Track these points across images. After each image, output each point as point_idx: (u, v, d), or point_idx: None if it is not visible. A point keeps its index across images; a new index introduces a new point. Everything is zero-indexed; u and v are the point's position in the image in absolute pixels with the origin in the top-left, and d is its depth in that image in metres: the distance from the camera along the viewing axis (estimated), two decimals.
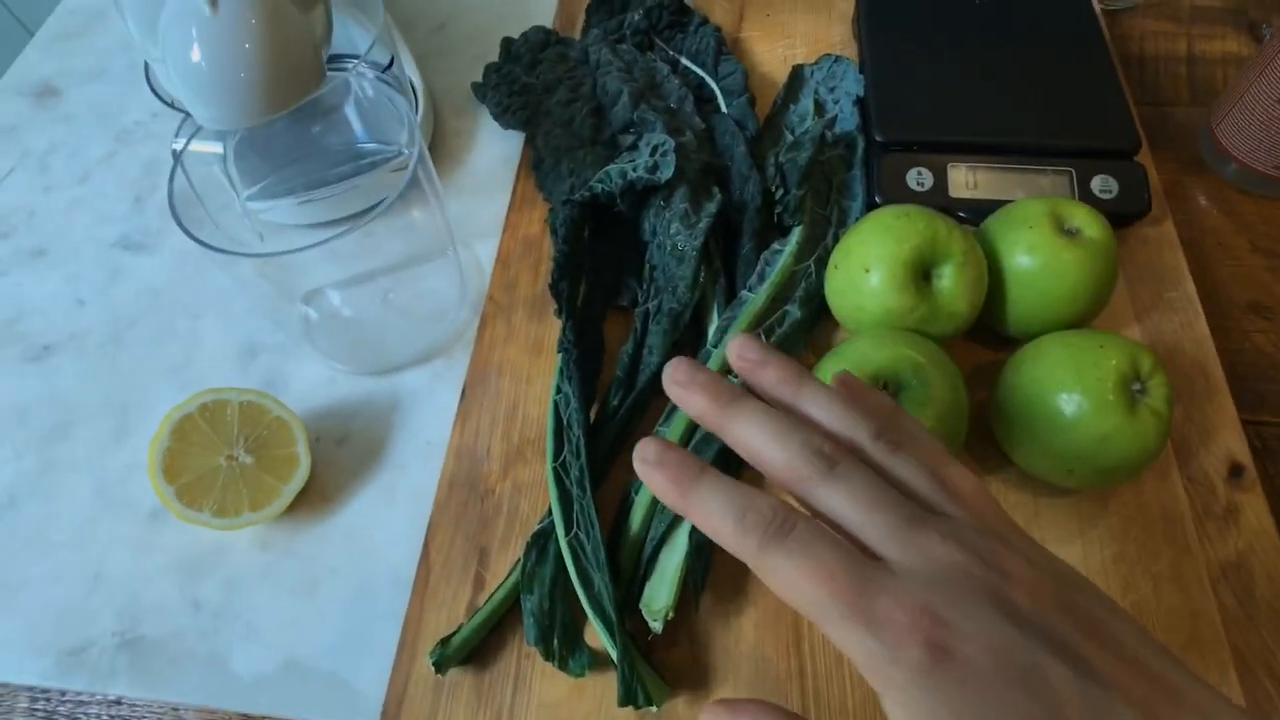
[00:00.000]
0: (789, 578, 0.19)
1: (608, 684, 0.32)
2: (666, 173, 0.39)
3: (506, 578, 0.34)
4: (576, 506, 0.34)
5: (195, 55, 0.31)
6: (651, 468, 0.21)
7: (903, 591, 0.18)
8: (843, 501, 0.20)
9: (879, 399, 0.24)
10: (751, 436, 0.22)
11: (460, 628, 0.33)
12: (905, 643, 0.17)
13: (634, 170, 0.39)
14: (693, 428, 0.35)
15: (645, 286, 0.40)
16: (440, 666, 0.32)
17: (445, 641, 0.32)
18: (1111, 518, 0.34)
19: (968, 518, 0.20)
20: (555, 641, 0.32)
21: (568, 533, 0.33)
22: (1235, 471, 0.35)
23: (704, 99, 0.47)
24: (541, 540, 0.34)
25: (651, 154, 0.40)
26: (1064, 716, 0.17)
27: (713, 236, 0.40)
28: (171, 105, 0.40)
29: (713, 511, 0.20)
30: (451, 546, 0.36)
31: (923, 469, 0.21)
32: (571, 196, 0.40)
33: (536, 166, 0.46)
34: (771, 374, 0.23)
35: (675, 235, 0.39)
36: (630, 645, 0.31)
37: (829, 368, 0.34)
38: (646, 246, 0.41)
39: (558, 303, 0.38)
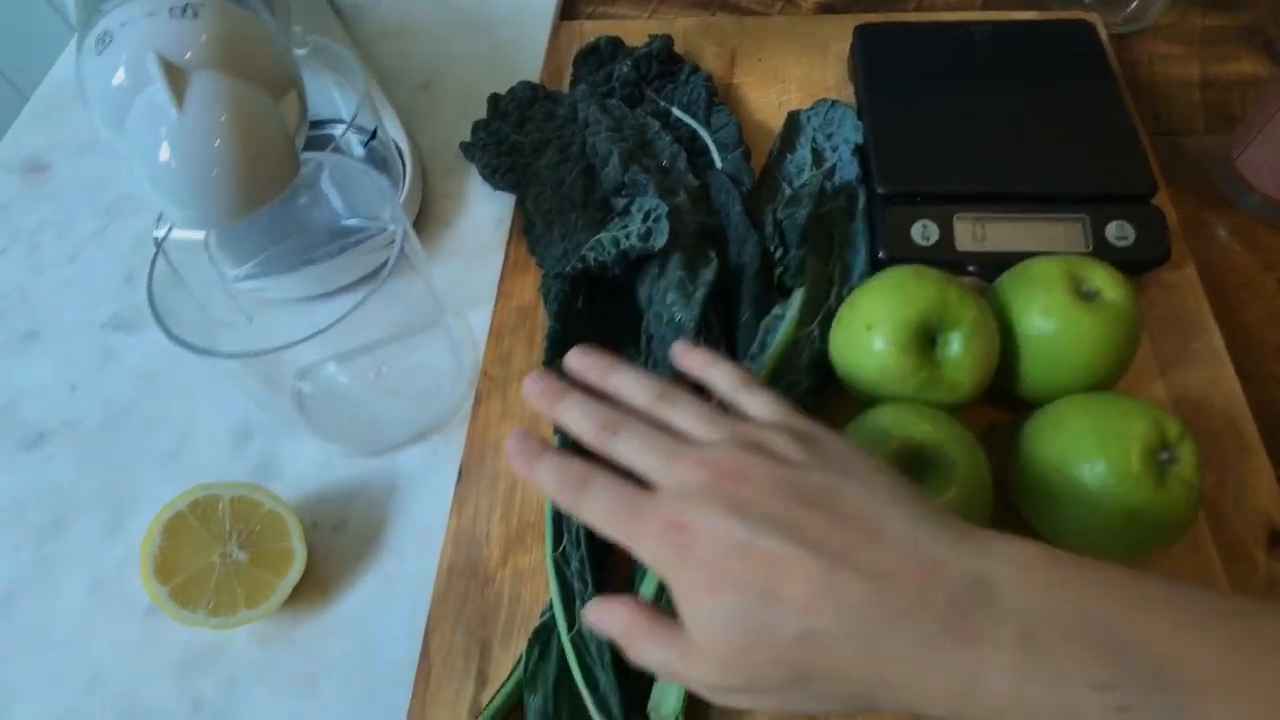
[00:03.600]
0: (592, 518, 0.26)
1: None
2: (660, 240, 0.38)
3: (509, 675, 0.33)
4: (579, 601, 0.33)
5: (164, 155, 0.30)
6: (511, 456, 0.28)
7: (658, 508, 0.25)
8: (626, 452, 0.27)
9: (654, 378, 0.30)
10: (569, 421, 0.29)
11: None
12: (662, 545, 0.24)
13: (626, 239, 0.38)
14: None
15: (644, 359, 0.38)
16: None
17: None
18: None
19: (731, 438, 0.26)
20: None
21: (570, 630, 0.32)
22: (1274, 539, 0.33)
23: (697, 152, 0.46)
24: (544, 636, 0.33)
25: (644, 220, 0.38)
26: (775, 569, 0.22)
27: (710, 303, 0.39)
28: None
29: (546, 481, 0.27)
30: (452, 642, 0.35)
31: (697, 413, 0.28)
32: (562, 269, 0.39)
33: (528, 231, 0.45)
34: (586, 363, 0.31)
35: (672, 305, 0.37)
36: None
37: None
38: (644, 313, 0.40)
39: None
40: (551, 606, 0.33)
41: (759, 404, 0.28)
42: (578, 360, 0.31)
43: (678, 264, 0.38)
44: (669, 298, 0.38)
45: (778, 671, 0.23)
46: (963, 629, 0.20)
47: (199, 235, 0.39)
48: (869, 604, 0.21)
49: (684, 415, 0.28)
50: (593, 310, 0.41)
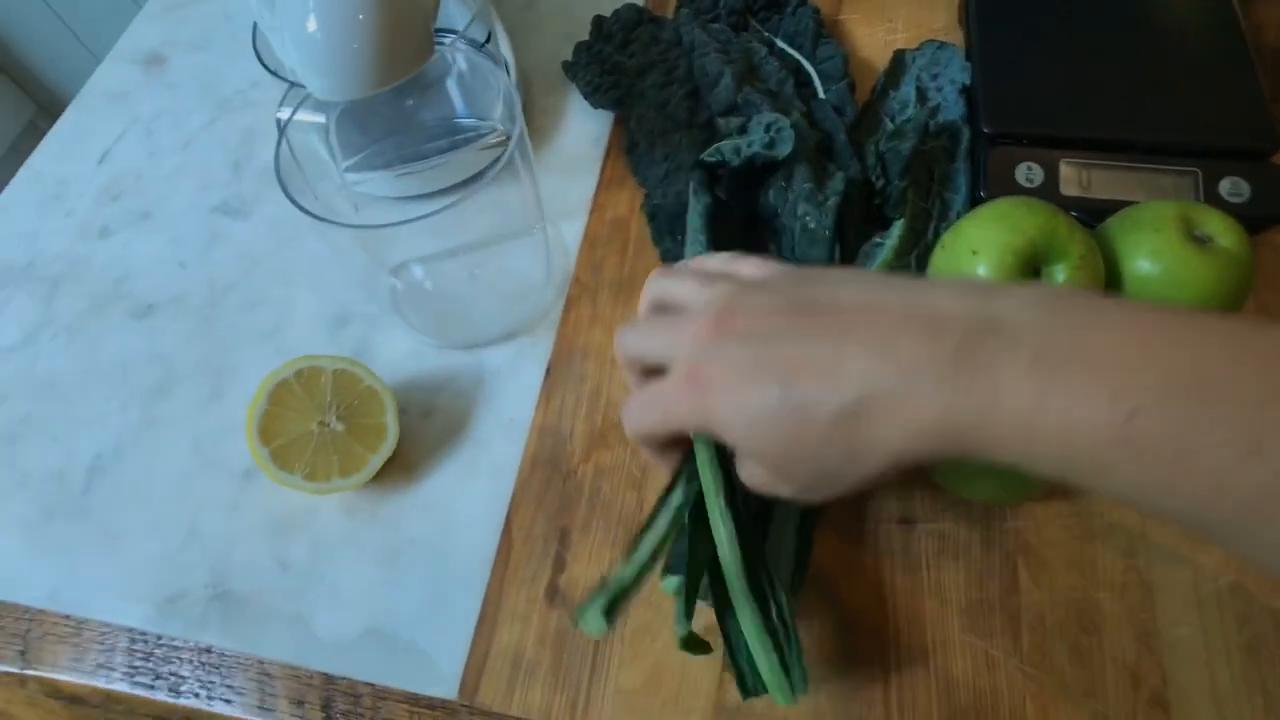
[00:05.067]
0: (636, 428, 0.28)
1: (683, 670, 0.32)
2: (785, 148, 0.38)
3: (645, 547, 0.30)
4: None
5: (311, 25, 0.31)
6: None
7: (675, 374, 0.26)
8: (635, 344, 0.29)
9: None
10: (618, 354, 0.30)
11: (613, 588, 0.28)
12: (689, 398, 0.25)
13: (749, 146, 0.38)
14: None
15: None
16: (611, 617, 0.28)
17: (612, 602, 0.28)
18: None
19: (725, 291, 0.27)
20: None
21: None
22: None
23: (800, 83, 0.46)
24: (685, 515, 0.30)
25: (766, 130, 0.39)
26: (789, 369, 0.23)
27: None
28: (276, 74, 0.41)
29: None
30: (533, 526, 0.36)
31: (692, 276, 0.29)
32: (702, 157, 0.40)
33: (630, 150, 0.45)
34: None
35: (804, 215, 0.38)
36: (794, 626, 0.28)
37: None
38: (758, 227, 0.40)
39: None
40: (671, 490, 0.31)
41: (750, 264, 0.29)
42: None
43: (804, 176, 0.38)
44: (800, 209, 0.38)
45: (827, 456, 0.23)
46: (976, 360, 0.21)
47: (318, 119, 0.40)
48: (881, 365, 0.22)
49: (681, 285, 0.29)
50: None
